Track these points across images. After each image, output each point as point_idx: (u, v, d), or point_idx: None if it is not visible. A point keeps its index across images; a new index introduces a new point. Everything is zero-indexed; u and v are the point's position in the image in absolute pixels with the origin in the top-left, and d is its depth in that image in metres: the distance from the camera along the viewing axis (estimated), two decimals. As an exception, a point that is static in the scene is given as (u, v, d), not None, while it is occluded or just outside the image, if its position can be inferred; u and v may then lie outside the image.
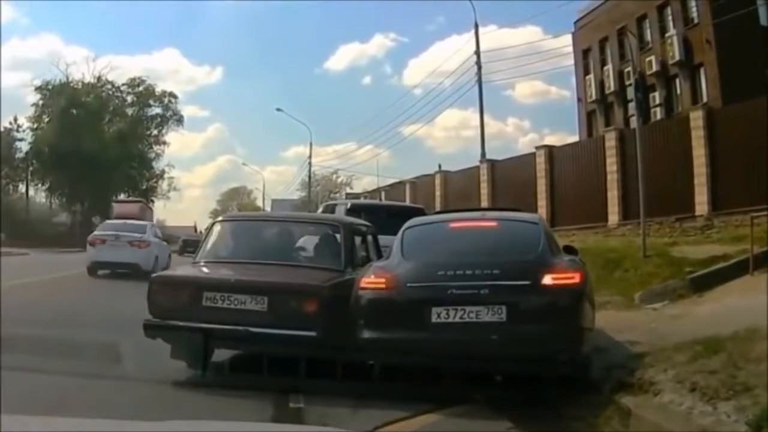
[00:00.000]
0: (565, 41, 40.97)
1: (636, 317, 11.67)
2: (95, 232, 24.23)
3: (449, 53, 66.59)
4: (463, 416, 6.80)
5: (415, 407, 6.73)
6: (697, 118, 21.25)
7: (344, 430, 5.20)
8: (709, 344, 7.29)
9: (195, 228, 64.30)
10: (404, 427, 6.40)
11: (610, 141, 24.44)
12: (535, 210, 24.29)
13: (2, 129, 64.09)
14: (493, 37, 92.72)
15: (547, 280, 7.17)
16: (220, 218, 11.07)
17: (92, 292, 18.69)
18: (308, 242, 9.41)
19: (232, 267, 8.75)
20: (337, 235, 9.14)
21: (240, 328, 7.63)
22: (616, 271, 15.26)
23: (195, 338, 7.83)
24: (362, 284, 7.61)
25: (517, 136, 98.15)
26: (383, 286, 7.48)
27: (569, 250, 8.71)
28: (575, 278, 7.34)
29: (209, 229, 9.90)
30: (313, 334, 7.44)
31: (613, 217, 23.85)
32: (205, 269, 8.90)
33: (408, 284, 7.41)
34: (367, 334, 7.31)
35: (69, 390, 6.88)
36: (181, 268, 10.05)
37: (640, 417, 6.08)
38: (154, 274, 8.69)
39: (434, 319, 7.06)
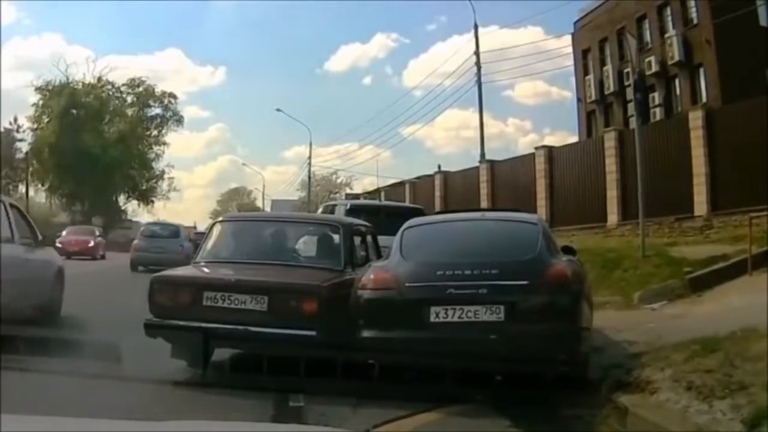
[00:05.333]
0: (567, 41, 40.96)
1: (635, 317, 11.76)
2: None
3: (450, 54, 66.91)
4: (461, 415, 6.85)
5: (414, 406, 6.77)
6: (696, 119, 21.26)
7: (343, 430, 5.25)
8: (706, 343, 7.36)
9: (195, 228, 64.21)
10: (403, 426, 6.43)
11: (610, 141, 24.45)
12: (534, 210, 24.31)
13: (2, 129, 64.24)
14: (494, 37, 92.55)
15: (545, 280, 7.24)
16: (220, 218, 11.14)
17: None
18: (308, 242, 9.51)
19: (232, 267, 8.80)
20: (337, 236, 9.21)
21: (240, 327, 7.72)
22: (616, 271, 15.35)
23: (195, 338, 7.89)
24: (362, 284, 7.69)
25: (518, 137, 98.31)
26: (383, 285, 7.56)
27: (567, 250, 8.75)
28: (573, 278, 7.40)
29: (209, 229, 9.97)
30: (312, 333, 7.51)
31: (613, 217, 23.88)
32: (205, 269, 8.97)
33: (407, 284, 7.47)
34: (366, 333, 7.38)
35: (69, 390, 6.84)
36: (182, 269, 10.10)
37: (637, 416, 6.14)
38: (155, 274, 8.72)
39: (433, 318, 7.13)
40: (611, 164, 24.07)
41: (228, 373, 8.14)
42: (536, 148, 29.00)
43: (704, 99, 29.16)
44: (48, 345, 8.32)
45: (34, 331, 9.02)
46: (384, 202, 22.45)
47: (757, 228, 14.61)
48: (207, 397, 7.13)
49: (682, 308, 12.10)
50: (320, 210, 19.62)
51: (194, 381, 7.76)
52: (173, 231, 29.35)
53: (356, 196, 44.73)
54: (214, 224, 10.06)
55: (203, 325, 7.79)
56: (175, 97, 73.92)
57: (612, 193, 23.98)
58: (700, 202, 20.65)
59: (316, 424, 6.34)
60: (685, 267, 14.33)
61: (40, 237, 12.69)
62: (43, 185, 67.78)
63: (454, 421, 6.78)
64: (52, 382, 7.06)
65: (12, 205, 11.86)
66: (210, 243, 9.36)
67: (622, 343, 9.36)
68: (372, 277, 7.73)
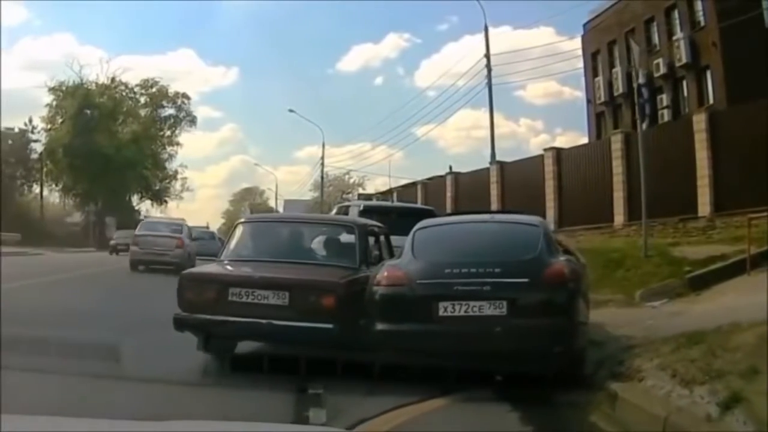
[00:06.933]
0: (578, 43, 41.14)
1: (635, 314, 12.13)
2: None
3: (462, 54, 67.04)
4: (464, 401, 7.37)
5: (422, 394, 7.31)
6: (699, 121, 21.65)
7: (342, 430, 5.71)
8: (692, 336, 7.89)
9: (207, 226, 64.79)
10: (404, 414, 6.90)
11: (616, 143, 24.90)
12: (543, 211, 24.86)
13: (4, 129, 64.81)
14: (506, 38, 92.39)
15: (544, 277, 7.79)
16: (242, 219, 11.59)
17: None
18: (325, 242, 10.02)
19: (255, 265, 9.31)
20: (352, 236, 9.74)
21: (263, 321, 8.25)
22: (618, 270, 15.71)
23: (221, 331, 8.53)
24: (376, 281, 8.24)
25: (529, 137, 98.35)
26: (395, 282, 8.12)
27: (565, 251, 9.30)
28: (570, 277, 7.96)
29: (232, 229, 10.52)
30: (330, 326, 8.07)
31: (619, 217, 24.29)
32: (229, 267, 9.52)
33: (418, 281, 8.04)
34: (380, 327, 7.94)
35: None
36: (208, 266, 10.69)
37: (626, 400, 6.66)
38: (183, 272, 9.31)
39: (441, 312, 7.67)
40: (618, 166, 24.49)
41: (249, 368, 8.37)
42: (545, 150, 29.42)
43: (711, 100, 29.52)
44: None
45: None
46: (396, 204, 22.89)
47: (756, 229, 14.95)
48: (230, 388, 7.55)
49: (681, 306, 12.44)
50: (334, 211, 19.98)
51: (218, 374, 8.38)
52: (211, 235, 44.22)
53: (369, 197, 45.23)
54: (236, 225, 10.57)
55: (229, 318, 8.38)
56: (188, 97, 74.49)
57: (618, 194, 24.39)
58: (704, 203, 21.06)
59: (335, 408, 6.91)
60: (685, 267, 14.72)
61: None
62: (57, 185, 68.21)
63: (458, 408, 7.26)
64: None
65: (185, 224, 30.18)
66: (233, 243, 9.93)
67: (621, 338, 9.73)
68: (385, 274, 8.27)
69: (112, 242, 45.31)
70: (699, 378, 6.34)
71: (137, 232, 28.27)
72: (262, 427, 3.66)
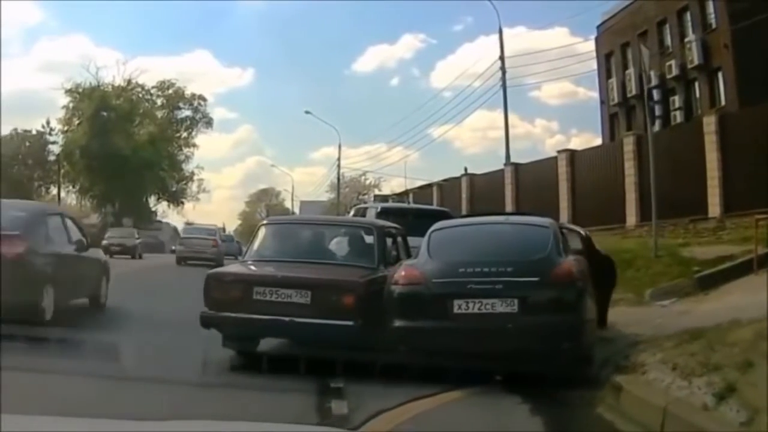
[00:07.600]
0: (593, 44, 41.30)
1: (645, 313, 12.46)
2: None
3: (478, 55, 67.00)
4: (477, 395, 7.79)
5: (439, 387, 7.71)
6: (710, 123, 21.87)
7: (343, 430, 6.02)
8: (694, 333, 8.28)
9: (224, 229, 65.18)
10: (411, 410, 7.24)
11: (629, 145, 25.12)
12: (557, 212, 25.13)
13: (21, 130, 65.57)
14: (522, 39, 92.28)
15: (554, 277, 8.21)
16: (264, 221, 12.04)
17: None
18: (345, 243, 10.42)
19: (278, 265, 9.76)
20: (371, 237, 10.17)
21: (286, 318, 8.70)
22: (629, 270, 15.91)
23: (246, 328, 8.97)
24: (394, 280, 8.67)
25: (545, 137, 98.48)
26: (412, 281, 8.54)
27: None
28: (578, 276, 8.37)
29: (255, 231, 10.95)
30: (350, 323, 8.51)
31: (631, 218, 24.55)
32: (253, 267, 9.97)
33: (433, 280, 8.46)
34: (398, 323, 8.38)
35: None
36: (233, 267, 11.15)
37: (629, 392, 7.06)
38: (209, 272, 9.73)
39: (456, 310, 8.10)
40: (630, 167, 24.74)
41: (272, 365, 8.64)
42: (559, 152, 29.76)
43: (723, 102, 29.74)
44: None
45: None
46: (412, 205, 23.29)
47: (763, 230, 15.21)
48: (253, 384, 7.93)
49: (689, 305, 12.70)
50: (351, 213, 20.47)
51: (240, 371, 8.84)
52: (230, 237, 52.11)
53: (385, 198, 45.61)
54: (259, 227, 11.02)
55: (253, 316, 8.81)
56: (204, 99, 74.77)
57: (631, 196, 24.66)
58: (714, 204, 21.28)
59: (356, 401, 7.32)
60: (694, 267, 14.96)
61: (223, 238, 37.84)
62: (74, 187, 68.67)
63: (471, 401, 7.69)
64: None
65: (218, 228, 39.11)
66: (256, 243, 10.34)
67: (630, 335, 10.07)
68: (403, 273, 8.71)
69: (104, 242, 39.24)
70: (698, 371, 6.73)
71: (183, 235, 39.36)
72: (265, 427, 3.67)
